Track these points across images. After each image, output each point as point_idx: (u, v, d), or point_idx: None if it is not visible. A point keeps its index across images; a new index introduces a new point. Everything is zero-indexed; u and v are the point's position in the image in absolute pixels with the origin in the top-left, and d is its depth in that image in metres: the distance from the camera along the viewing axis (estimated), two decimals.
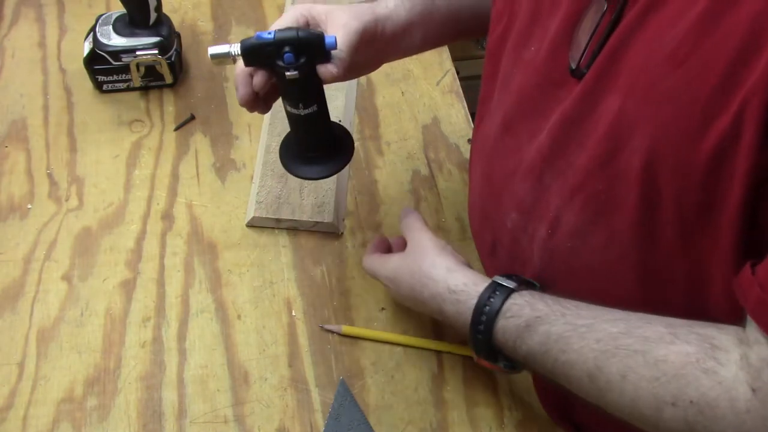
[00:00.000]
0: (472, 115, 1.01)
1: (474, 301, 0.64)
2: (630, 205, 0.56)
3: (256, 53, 0.65)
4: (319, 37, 0.65)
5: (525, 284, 0.66)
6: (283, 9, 1.10)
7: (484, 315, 0.63)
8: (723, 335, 0.53)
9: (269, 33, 0.64)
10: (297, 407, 0.75)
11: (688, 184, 0.52)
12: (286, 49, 0.64)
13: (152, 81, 0.97)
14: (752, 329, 0.50)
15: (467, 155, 0.97)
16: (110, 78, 0.96)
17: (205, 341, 0.79)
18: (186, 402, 0.75)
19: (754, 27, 0.46)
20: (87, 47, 0.95)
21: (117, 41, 0.93)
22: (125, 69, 0.95)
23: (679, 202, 0.53)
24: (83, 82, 0.97)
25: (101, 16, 0.95)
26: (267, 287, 0.83)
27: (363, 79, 1.04)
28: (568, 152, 0.62)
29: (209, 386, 0.76)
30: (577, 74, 0.60)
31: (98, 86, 0.97)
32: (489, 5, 0.76)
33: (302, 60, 0.65)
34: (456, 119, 1.01)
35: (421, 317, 0.82)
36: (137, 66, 0.95)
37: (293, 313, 0.81)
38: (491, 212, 0.75)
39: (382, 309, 0.82)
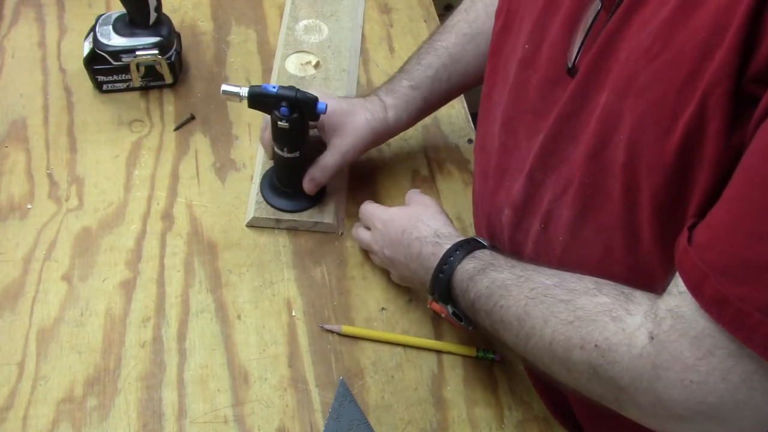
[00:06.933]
0: (472, 115, 1.01)
1: (449, 245, 0.71)
2: (615, 200, 0.58)
3: (259, 99, 0.78)
4: (313, 101, 0.77)
5: (501, 251, 0.70)
6: (282, 9, 1.10)
7: (452, 257, 0.69)
8: (641, 292, 0.56)
9: (274, 87, 0.77)
10: (297, 407, 0.75)
11: (661, 179, 0.53)
12: (284, 103, 0.76)
13: (152, 81, 0.97)
14: (673, 282, 0.52)
15: (467, 155, 0.97)
16: (110, 78, 0.96)
17: (205, 341, 0.79)
18: (186, 402, 0.75)
19: (717, 21, 0.47)
20: (87, 47, 0.95)
21: (117, 41, 0.93)
22: (125, 69, 0.95)
23: (655, 198, 0.54)
24: (83, 82, 0.97)
25: (101, 16, 0.95)
26: (267, 287, 0.83)
27: (363, 79, 1.04)
28: (561, 147, 0.63)
29: (209, 386, 0.76)
30: (573, 72, 0.61)
31: (98, 86, 0.97)
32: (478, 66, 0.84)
33: (294, 115, 0.77)
34: (456, 119, 1.01)
35: (421, 317, 0.82)
36: (137, 66, 0.95)
37: (293, 313, 0.81)
38: (488, 208, 0.76)
39: (382, 309, 0.82)
